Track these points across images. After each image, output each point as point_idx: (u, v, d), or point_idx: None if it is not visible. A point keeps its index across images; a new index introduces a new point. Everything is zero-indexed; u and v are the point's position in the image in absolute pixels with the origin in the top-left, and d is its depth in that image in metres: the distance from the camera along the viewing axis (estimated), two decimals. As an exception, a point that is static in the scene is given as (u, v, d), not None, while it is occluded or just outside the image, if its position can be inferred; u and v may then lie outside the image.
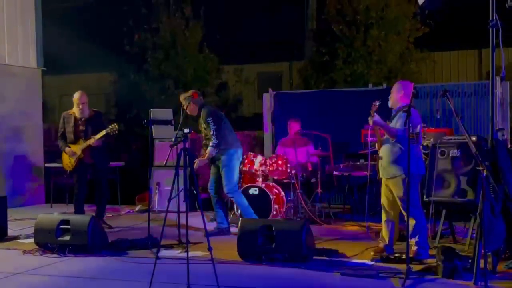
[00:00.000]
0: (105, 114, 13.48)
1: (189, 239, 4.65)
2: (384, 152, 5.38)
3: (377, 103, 5.19)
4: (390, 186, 5.39)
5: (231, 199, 6.94)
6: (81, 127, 7.09)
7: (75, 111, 7.12)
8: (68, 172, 7.32)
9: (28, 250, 5.89)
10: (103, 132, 6.93)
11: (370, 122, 5.22)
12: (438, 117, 4.97)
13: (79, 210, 7.19)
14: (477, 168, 4.38)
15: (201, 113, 6.69)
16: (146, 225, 6.24)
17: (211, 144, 6.59)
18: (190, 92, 6.65)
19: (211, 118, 6.60)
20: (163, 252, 5.60)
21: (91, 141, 6.99)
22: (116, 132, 6.95)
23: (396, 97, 5.40)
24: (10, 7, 9.94)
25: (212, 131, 6.58)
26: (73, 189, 7.40)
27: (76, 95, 7.12)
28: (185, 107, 6.44)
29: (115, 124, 7.00)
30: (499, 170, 4.78)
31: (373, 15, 11.87)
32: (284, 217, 7.41)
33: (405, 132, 5.02)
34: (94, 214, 6.74)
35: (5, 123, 9.66)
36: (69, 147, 7.12)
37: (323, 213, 7.82)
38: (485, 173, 4.31)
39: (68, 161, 7.20)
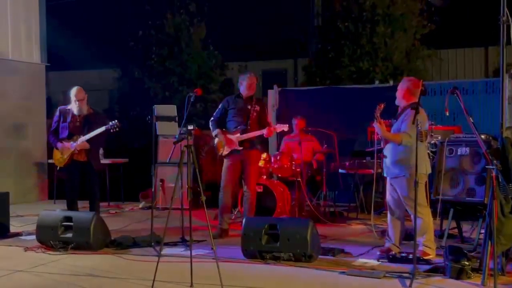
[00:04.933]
0: (108, 111, 13.50)
1: (192, 237, 4.58)
2: (388, 151, 5.31)
3: (382, 106, 5.10)
4: (395, 186, 5.31)
5: (249, 196, 6.55)
6: (77, 123, 6.68)
7: (73, 107, 6.71)
8: (58, 168, 7.08)
9: (30, 247, 5.85)
10: (102, 129, 6.49)
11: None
12: (447, 115, 4.86)
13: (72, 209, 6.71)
14: (487, 167, 4.29)
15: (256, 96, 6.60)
16: (149, 222, 6.17)
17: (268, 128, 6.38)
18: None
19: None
20: (166, 250, 5.54)
21: (86, 145, 6.59)
22: (117, 129, 6.52)
23: (400, 95, 5.33)
24: (14, 2, 9.90)
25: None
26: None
27: (73, 91, 6.68)
28: (253, 81, 6.46)
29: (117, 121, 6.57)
30: (509, 169, 4.70)
31: (379, 12, 11.76)
32: (289, 215, 7.34)
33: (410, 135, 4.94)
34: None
35: (8, 119, 9.64)
36: (62, 142, 6.69)
37: (328, 211, 7.74)
38: (494, 172, 4.23)
39: (59, 156, 6.75)
